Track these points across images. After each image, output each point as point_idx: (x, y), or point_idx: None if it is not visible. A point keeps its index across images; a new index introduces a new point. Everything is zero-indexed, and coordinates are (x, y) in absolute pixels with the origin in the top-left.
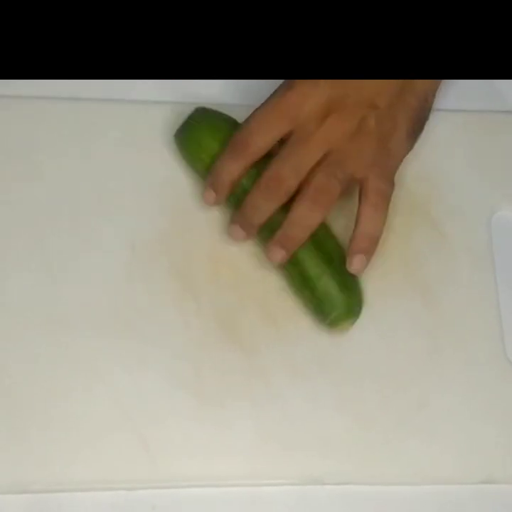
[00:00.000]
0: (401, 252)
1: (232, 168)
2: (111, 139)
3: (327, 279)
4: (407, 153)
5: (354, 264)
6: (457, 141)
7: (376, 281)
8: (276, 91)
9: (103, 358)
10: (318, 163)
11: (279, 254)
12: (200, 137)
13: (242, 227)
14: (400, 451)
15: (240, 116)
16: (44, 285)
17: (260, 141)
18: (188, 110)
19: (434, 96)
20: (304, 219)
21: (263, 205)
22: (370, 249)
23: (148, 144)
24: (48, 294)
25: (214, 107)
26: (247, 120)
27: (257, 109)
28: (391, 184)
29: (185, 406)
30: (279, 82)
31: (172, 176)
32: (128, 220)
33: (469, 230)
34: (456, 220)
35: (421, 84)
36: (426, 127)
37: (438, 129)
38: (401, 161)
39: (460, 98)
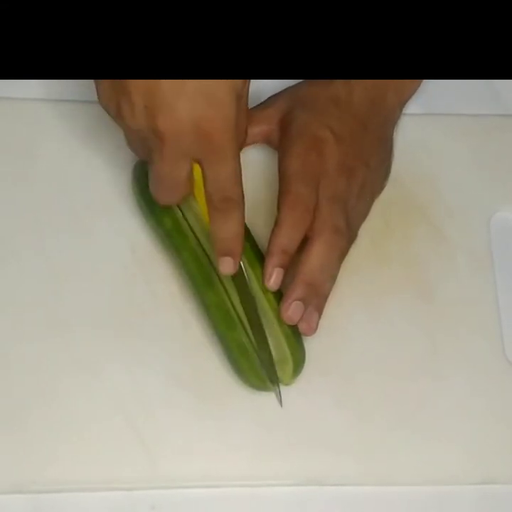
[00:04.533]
0: (401, 252)
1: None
2: (110, 140)
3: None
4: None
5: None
6: (456, 143)
7: (376, 280)
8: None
9: (103, 358)
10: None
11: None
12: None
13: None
14: (399, 451)
15: None
16: (44, 286)
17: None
18: None
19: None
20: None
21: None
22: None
23: None
24: (49, 295)
25: None
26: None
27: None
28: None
29: (184, 406)
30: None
31: None
32: (128, 221)
33: (469, 231)
34: (456, 221)
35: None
36: (426, 129)
37: (437, 131)
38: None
39: (459, 101)
